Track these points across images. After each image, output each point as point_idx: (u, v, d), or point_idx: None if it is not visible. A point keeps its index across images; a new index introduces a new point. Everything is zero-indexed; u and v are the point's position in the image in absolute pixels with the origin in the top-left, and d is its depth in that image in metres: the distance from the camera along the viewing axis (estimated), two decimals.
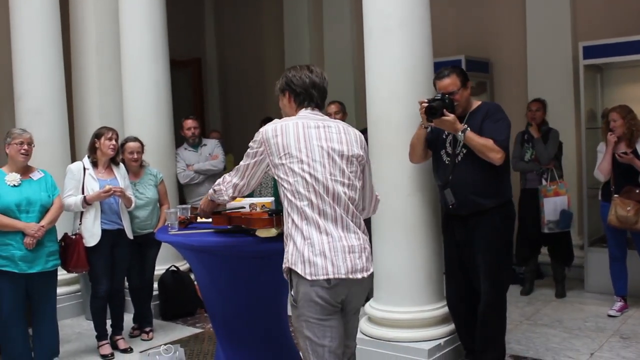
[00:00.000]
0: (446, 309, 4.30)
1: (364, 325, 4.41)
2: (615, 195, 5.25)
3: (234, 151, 8.56)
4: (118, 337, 5.05)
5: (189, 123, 6.53)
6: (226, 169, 7.03)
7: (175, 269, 5.86)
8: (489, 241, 3.85)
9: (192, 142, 6.51)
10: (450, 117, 3.72)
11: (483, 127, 3.80)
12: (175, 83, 6.56)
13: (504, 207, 3.92)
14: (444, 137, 3.98)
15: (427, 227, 4.23)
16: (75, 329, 5.63)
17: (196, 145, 6.53)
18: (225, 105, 9.89)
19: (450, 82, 3.87)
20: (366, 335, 4.34)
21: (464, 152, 3.84)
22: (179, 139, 6.56)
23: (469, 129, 3.74)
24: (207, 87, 9.92)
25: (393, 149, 4.16)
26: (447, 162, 3.94)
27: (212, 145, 6.62)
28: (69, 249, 4.69)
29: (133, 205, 4.96)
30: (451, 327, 4.29)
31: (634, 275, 5.45)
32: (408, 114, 4.14)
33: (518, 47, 6.89)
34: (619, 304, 5.37)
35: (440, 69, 3.99)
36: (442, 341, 4.20)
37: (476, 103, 3.99)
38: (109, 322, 5.05)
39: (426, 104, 3.75)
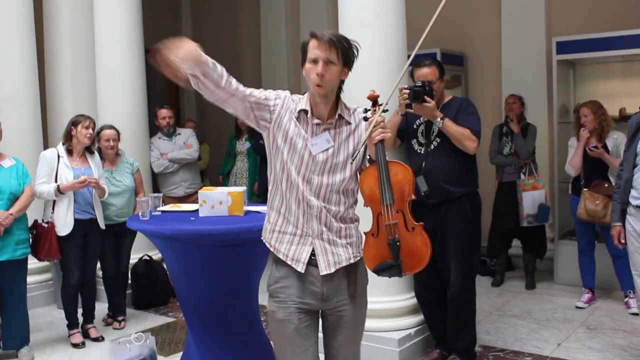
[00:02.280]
0: (416, 299, 4.34)
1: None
2: (585, 189, 5.34)
3: (209, 141, 8.55)
4: (89, 326, 5.03)
5: (163, 112, 6.49)
6: (201, 159, 7.02)
7: (148, 258, 5.85)
8: (459, 228, 3.93)
9: (167, 131, 6.48)
10: (431, 103, 3.81)
11: (457, 118, 3.90)
12: (150, 71, 6.51)
13: (473, 195, 4.03)
14: (415, 127, 4.07)
15: None
16: (46, 318, 5.60)
17: (170, 135, 6.50)
18: (200, 94, 9.80)
19: (430, 71, 3.96)
20: None
21: (438, 140, 3.93)
22: (154, 128, 6.52)
23: (446, 117, 3.85)
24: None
25: None
26: (419, 151, 4.00)
27: (186, 135, 6.59)
28: (41, 238, 4.65)
29: (106, 195, 4.93)
30: (421, 317, 4.34)
31: (601, 267, 5.54)
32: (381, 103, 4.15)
33: (493, 41, 6.95)
34: (586, 296, 5.47)
35: (420, 59, 4.04)
36: (412, 331, 4.24)
37: (448, 97, 4.10)
38: (80, 311, 5.02)
39: (407, 90, 3.81)
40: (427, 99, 3.80)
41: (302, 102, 2.48)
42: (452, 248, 3.95)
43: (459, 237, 3.94)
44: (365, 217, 2.61)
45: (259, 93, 2.44)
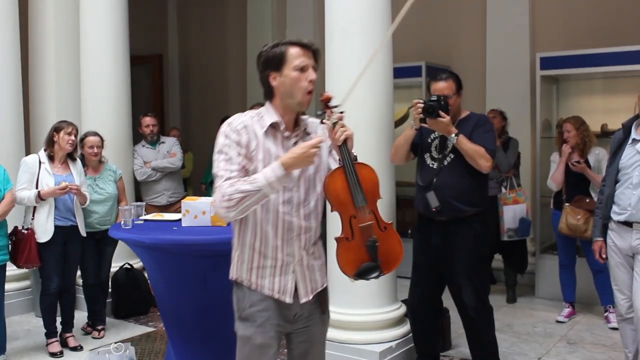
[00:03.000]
0: (398, 312, 4.34)
1: None
2: (567, 204, 5.38)
3: (194, 149, 8.52)
4: (68, 335, 4.97)
5: (147, 120, 6.47)
6: (185, 167, 6.99)
7: (129, 266, 5.80)
8: (470, 248, 3.84)
9: (150, 139, 6.45)
10: (446, 118, 3.71)
11: (473, 135, 3.80)
12: (135, 79, 6.50)
13: (483, 215, 3.94)
14: (429, 141, 3.97)
15: None
16: (24, 326, 5.52)
17: (154, 143, 6.47)
18: (185, 102, 9.81)
19: (446, 85, 3.87)
20: None
21: (451, 157, 3.84)
22: (137, 136, 6.49)
23: (460, 133, 3.76)
24: (167, 83, 9.83)
25: None
26: (431, 166, 3.92)
27: (170, 143, 6.56)
28: (20, 244, 4.60)
29: (87, 202, 4.89)
30: (403, 330, 4.34)
31: (582, 282, 5.58)
32: (366, 117, 4.17)
33: (478, 55, 7.00)
34: (567, 310, 5.50)
35: (437, 72, 4.00)
36: (393, 344, 4.23)
37: (465, 112, 3.99)
38: (59, 319, 4.96)
39: (422, 104, 3.74)
40: (442, 113, 3.70)
41: (267, 115, 2.38)
42: (462, 268, 3.86)
43: (469, 257, 3.84)
44: (334, 223, 2.56)
45: (237, 161, 2.31)
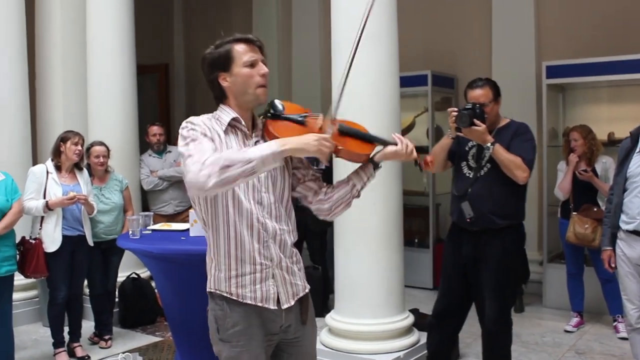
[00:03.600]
0: (406, 322, 4.33)
1: (324, 336, 4.42)
2: (574, 213, 5.36)
3: None
4: (75, 345, 4.97)
5: (155, 129, 6.49)
6: None
7: (136, 276, 5.80)
8: (499, 261, 3.74)
9: (157, 148, 6.47)
10: (481, 127, 3.61)
11: (511, 144, 3.71)
12: (141, 88, 6.52)
13: (517, 228, 3.83)
14: (467, 149, 3.87)
15: (389, 239, 4.26)
16: (31, 336, 5.52)
17: (161, 152, 6.48)
18: (191, 112, 9.81)
19: (482, 93, 3.77)
20: (326, 347, 4.35)
21: (488, 167, 3.75)
22: (144, 145, 6.50)
23: (497, 143, 3.67)
24: (173, 93, 9.86)
25: None
26: (467, 175, 3.83)
27: (176, 152, 6.57)
28: (28, 254, 4.60)
29: (95, 211, 4.90)
30: (411, 339, 4.32)
31: (590, 291, 5.55)
32: (373, 125, 4.11)
33: (483, 64, 6.99)
34: (575, 320, 5.47)
35: (474, 79, 3.91)
36: (402, 354, 4.22)
37: (505, 120, 3.89)
38: (66, 329, 4.96)
39: (456, 113, 3.67)
40: (477, 122, 3.61)
41: (223, 114, 2.30)
42: (488, 281, 3.77)
43: (496, 270, 3.74)
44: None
45: (208, 146, 2.15)
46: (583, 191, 5.37)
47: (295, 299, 2.36)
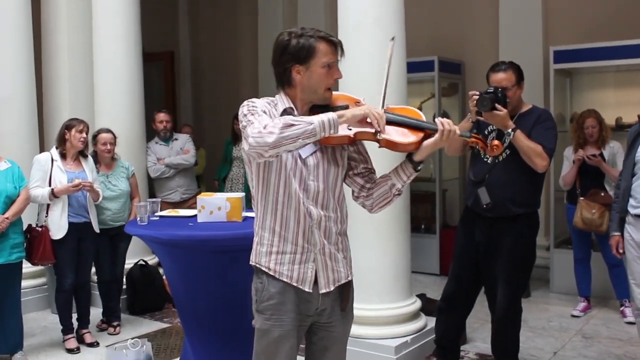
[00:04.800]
0: (413, 306, 4.34)
1: None
2: (581, 198, 5.35)
3: (206, 146, 8.54)
4: (84, 331, 4.99)
5: (161, 116, 6.49)
6: (197, 164, 7.01)
7: (143, 263, 5.82)
8: (512, 249, 3.72)
9: (164, 135, 6.47)
10: (503, 111, 3.55)
11: (533, 131, 3.65)
12: (147, 76, 6.51)
13: (532, 216, 3.81)
14: (487, 133, 3.81)
15: (396, 225, 4.26)
16: (40, 323, 5.56)
17: (167, 140, 6.49)
18: (197, 99, 9.83)
19: (505, 77, 3.70)
20: None
21: (507, 152, 3.68)
22: (150, 133, 6.51)
23: (518, 129, 3.61)
24: (179, 80, 9.85)
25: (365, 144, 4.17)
26: (485, 160, 3.78)
27: (183, 140, 6.58)
28: (35, 242, 4.62)
29: (100, 198, 4.91)
30: (418, 324, 4.33)
31: (597, 276, 5.55)
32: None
33: (490, 49, 6.96)
34: (582, 305, 5.47)
35: (497, 62, 3.87)
36: (408, 338, 4.23)
37: (527, 106, 3.83)
38: (75, 316, 4.99)
39: (477, 96, 3.62)
40: (498, 106, 3.55)
41: (280, 103, 2.36)
42: (501, 267, 3.75)
43: (510, 258, 3.72)
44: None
45: (266, 118, 2.24)
46: (590, 176, 5.35)
47: (336, 285, 2.40)
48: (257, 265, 2.39)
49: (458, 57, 7.25)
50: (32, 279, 5.82)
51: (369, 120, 2.26)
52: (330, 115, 2.18)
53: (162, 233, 3.31)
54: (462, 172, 7.17)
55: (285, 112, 2.33)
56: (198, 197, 3.62)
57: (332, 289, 2.39)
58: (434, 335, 4.22)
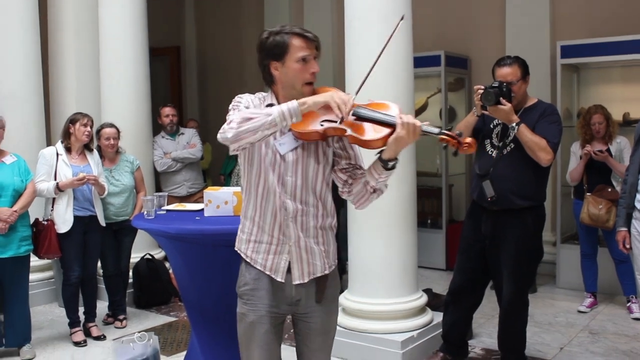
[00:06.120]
0: (420, 301, 4.34)
1: (338, 316, 4.43)
2: (588, 194, 5.33)
3: (211, 140, 8.53)
4: (91, 324, 5.01)
5: (167, 110, 6.50)
6: (203, 158, 7.02)
7: (150, 257, 5.84)
8: (517, 241, 3.73)
9: (170, 129, 6.48)
10: (507, 106, 3.58)
11: (537, 125, 3.67)
12: (153, 71, 6.52)
13: (537, 209, 3.81)
14: (492, 127, 3.85)
15: (403, 219, 4.26)
16: (47, 316, 5.58)
17: (174, 134, 6.50)
18: (203, 94, 9.83)
19: (510, 71, 3.73)
20: (340, 326, 4.35)
21: (512, 146, 3.72)
22: (156, 127, 6.52)
23: (522, 123, 3.64)
24: (185, 75, 9.86)
25: None
26: (490, 153, 3.81)
27: (189, 134, 6.59)
28: (41, 235, 4.64)
29: (106, 192, 4.93)
30: (424, 319, 4.33)
31: (604, 272, 5.54)
32: None
33: (497, 44, 6.94)
34: (589, 300, 5.46)
35: (503, 57, 3.88)
36: (415, 333, 4.23)
37: (532, 100, 3.85)
38: (81, 309, 5.01)
39: (482, 90, 3.64)
40: (503, 101, 3.58)
41: (268, 98, 2.42)
42: (507, 261, 3.76)
43: (515, 251, 3.73)
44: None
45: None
46: (597, 172, 5.33)
47: (311, 277, 2.44)
48: (238, 251, 2.49)
49: (464, 52, 7.23)
50: (40, 272, 5.85)
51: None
52: (292, 103, 2.21)
53: (170, 227, 3.31)
54: (468, 167, 7.16)
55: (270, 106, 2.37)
56: (205, 191, 3.62)
57: (306, 280, 2.43)
58: (441, 330, 4.23)
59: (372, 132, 2.29)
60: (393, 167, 2.34)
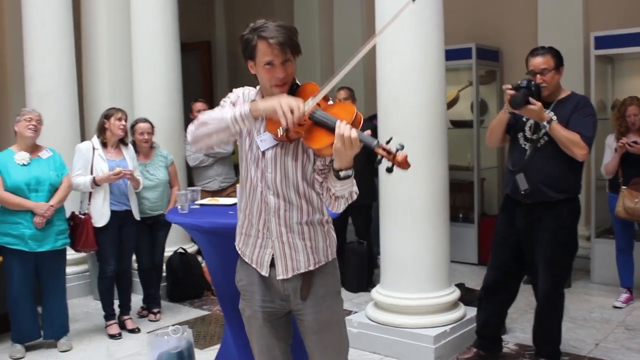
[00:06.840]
0: (452, 296, 4.32)
1: (370, 310, 4.44)
2: (624, 187, 5.25)
3: None
4: (126, 317, 5.09)
5: (199, 106, 6.53)
6: (234, 153, 7.05)
7: (183, 251, 5.90)
8: (553, 234, 3.70)
9: None
10: (537, 106, 3.53)
11: (571, 119, 3.63)
12: (184, 66, 6.56)
13: (572, 202, 3.78)
14: (525, 119, 3.80)
15: (435, 213, 4.24)
16: (83, 309, 5.68)
17: None
18: (234, 88, 9.84)
19: (543, 60, 3.70)
20: (372, 321, 4.37)
21: (545, 139, 3.69)
22: (189, 122, 6.54)
23: (555, 119, 3.59)
24: (216, 70, 9.91)
25: (403, 133, 4.14)
26: (524, 147, 3.78)
27: None
28: (78, 229, 4.71)
29: (141, 186, 4.98)
30: (457, 314, 4.31)
31: None
32: (418, 99, 4.14)
33: (529, 36, 6.84)
34: (624, 296, 5.38)
35: (536, 47, 3.84)
36: (448, 328, 4.21)
37: (565, 92, 3.80)
38: (116, 302, 5.08)
39: (511, 91, 3.60)
40: (532, 100, 3.54)
41: (254, 94, 2.44)
42: (542, 254, 3.74)
43: (551, 244, 3.70)
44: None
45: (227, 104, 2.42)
46: (633, 164, 5.24)
47: (295, 273, 2.42)
48: (235, 245, 2.54)
49: (496, 44, 7.15)
50: (75, 265, 5.95)
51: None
52: (244, 108, 2.26)
53: (204, 221, 3.34)
54: (501, 160, 7.09)
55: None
56: (237, 185, 3.64)
57: (289, 276, 2.41)
58: (474, 325, 4.20)
59: (323, 138, 2.18)
60: (346, 177, 2.19)
